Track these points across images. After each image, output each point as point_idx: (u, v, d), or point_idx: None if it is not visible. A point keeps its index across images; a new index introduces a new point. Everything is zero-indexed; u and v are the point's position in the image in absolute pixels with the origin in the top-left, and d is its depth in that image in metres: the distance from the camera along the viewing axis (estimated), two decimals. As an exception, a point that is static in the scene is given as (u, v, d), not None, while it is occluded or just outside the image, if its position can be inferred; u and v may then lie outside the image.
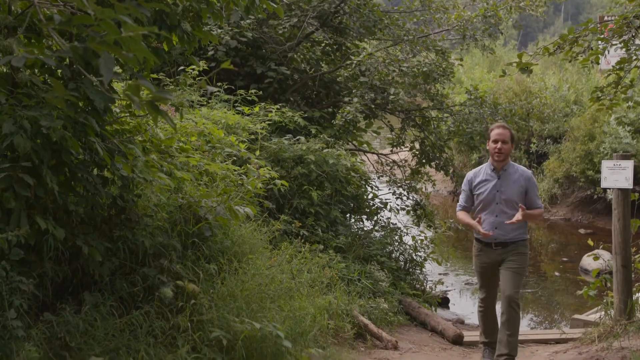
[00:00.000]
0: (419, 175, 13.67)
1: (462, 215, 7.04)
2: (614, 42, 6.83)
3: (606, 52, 6.99)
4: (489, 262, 6.86)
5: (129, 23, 2.49)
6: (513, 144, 6.86)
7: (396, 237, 11.11)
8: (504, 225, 6.66)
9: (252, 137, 9.27)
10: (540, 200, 6.86)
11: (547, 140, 21.37)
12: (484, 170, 6.93)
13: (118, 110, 5.38)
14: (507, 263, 6.70)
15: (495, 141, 6.73)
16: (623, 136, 17.61)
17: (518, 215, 6.54)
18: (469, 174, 7.08)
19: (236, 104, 10.34)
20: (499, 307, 6.81)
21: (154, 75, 9.04)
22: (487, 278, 6.98)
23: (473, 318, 11.01)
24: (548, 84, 23.68)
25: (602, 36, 6.83)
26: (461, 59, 15.27)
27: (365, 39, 13.68)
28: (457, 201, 7.21)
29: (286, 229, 8.43)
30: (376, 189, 11.77)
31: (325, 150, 9.85)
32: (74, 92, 4.01)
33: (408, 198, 13.31)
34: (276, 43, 12.49)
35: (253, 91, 10.60)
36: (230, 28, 11.85)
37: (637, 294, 7.54)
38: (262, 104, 10.43)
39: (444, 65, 12.92)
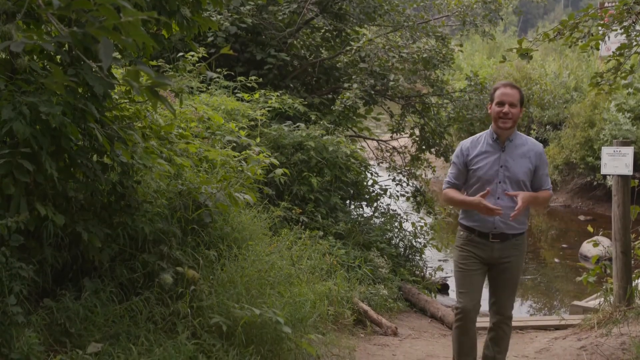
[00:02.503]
0: (419, 162, 13.69)
1: (453, 193, 5.48)
2: (614, 28, 6.81)
3: (606, 38, 6.97)
4: (480, 260, 5.39)
5: (128, 8, 2.48)
6: (522, 108, 5.43)
7: (396, 224, 11.13)
8: (507, 211, 5.22)
9: (252, 123, 9.26)
10: (549, 180, 5.49)
11: (547, 127, 21.35)
12: (484, 140, 5.44)
13: (117, 97, 5.36)
14: (504, 266, 5.36)
15: (501, 103, 5.28)
16: (623, 123, 17.59)
17: (519, 203, 5.14)
18: (464, 143, 5.55)
19: (236, 91, 10.33)
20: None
21: (154, 62, 9.02)
22: (472, 281, 5.41)
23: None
24: (548, 70, 23.65)
25: (602, 22, 6.81)
26: (461, 45, 15.22)
27: (365, 25, 13.65)
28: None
29: (286, 216, 8.43)
30: (376, 175, 11.77)
31: (325, 137, 9.84)
32: (73, 78, 4.00)
33: (408, 184, 13.33)
34: (276, 29, 12.45)
35: (253, 77, 10.58)
36: (229, 14, 11.82)
37: (636, 281, 7.56)
38: (262, 90, 10.42)
39: (444, 52, 12.91)
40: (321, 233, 8.60)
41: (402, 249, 10.95)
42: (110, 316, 4.70)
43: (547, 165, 5.56)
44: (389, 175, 13.36)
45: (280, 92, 10.71)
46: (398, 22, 12.99)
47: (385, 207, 11.69)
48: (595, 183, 18.95)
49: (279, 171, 7.82)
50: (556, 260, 14.68)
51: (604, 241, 9.96)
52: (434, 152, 13.53)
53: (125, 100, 5.35)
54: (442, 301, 10.31)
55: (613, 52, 7.13)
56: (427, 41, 13.08)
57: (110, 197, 5.07)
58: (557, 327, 8.18)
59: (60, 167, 4.52)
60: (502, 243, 5.33)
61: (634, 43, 6.92)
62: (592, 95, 18.46)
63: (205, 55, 9.70)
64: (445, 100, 13.46)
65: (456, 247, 5.55)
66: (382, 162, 14.10)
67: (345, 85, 12.24)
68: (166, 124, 6.03)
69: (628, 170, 7.42)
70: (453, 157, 5.60)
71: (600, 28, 6.82)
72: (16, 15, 3.80)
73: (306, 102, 11.50)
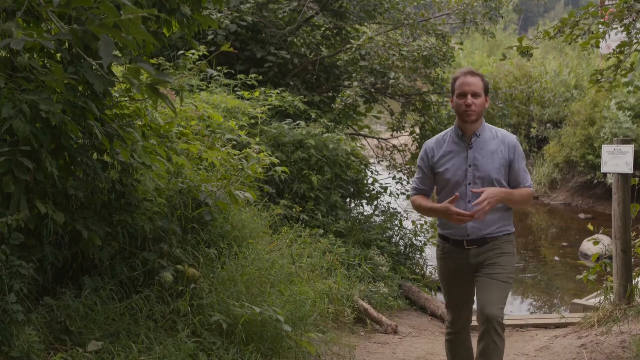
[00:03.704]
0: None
1: (420, 200, 4.98)
2: (614, 26, 6.81)
3: (606, 36, 6.97)
4: (459, 269, 4.85)
5: (128, 5, 2.48)
6: (488, 97, 4.81)
7: (396, 222, 11.13)
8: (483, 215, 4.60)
9: (252, 121, 9.25)
10: (529, 176, 4.86)
11: (547, 125, 21.33)
12: (448, 137, 4.86)
13: (117, 95, 5.36)
14: (487, 268, 4.73)
15: (462, 94, 4.69)
16: (623, 121, 17.57)
17: (481, 197, 4.51)
18: (428, 144, 4.96)
19: (236, 89, 10.32)
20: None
21: (154, 61, 9.02)
22: (458, 291, 4.93)
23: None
24: (548, 68, 23.62)
25: (603, 20, 6.81)
26: (461, 43, 15.23)
27: (366, 23, 13.64)
28: None
29: (286, 214, 8.43)
30: (376, 173, 11.78)
31: (325, 135, 9.84)
32: (73, 76, 3.99)
33: (408, 182, 13.32)
34: (276, 27, 12.44)
35: (253, 75, 10.57)
36: (229, 12, 11.81)
37: (636, 279, 7.55)
38: (262, 88, 10.41)
39: (444, 50, 12.91)
40: (321, 231, 8.61)
41: (402, 247, 10.95)
42: (110, 314, 4.70)
43: (524, 159, 4.85)
44: (389, 174, 13.36)
45: (280, 89, 10.70)
46: (398, 20, 12.98)
47: (385, 205, 11.69)
48: (595, 181, 18.92)
49: (279, 168, 7.82)
50: (556, 258, 14.67)
51: (604, 239, 9.97)
52: (434, 151, 13.50)
53: (126, 99, 5.35)
54: (442, 299, 10.30)
55: (613, 49, 7.13)
56: (428, 39, 13.07)
57: (110, 195, 5.07)
58: (557, 325, 8.18)
59: (60, 165, 4.51)
60: (479, 248, 4.75)
61: (634, 41, 6.92)
62: (592, 93, 18.45)
63: (206, 53, 9.70)
64: (445, 99, 13.44)
65: (437, 258, 5.07)
66: (382, 160, 14.10)
67: (346, 83, 12.25)
68: (166, 122, 6.02)
69: (628, 169, 7.41)
70: (418, 160, 5.04)
71: (600, 26, 6.82)
72: (16, 13, 3.79)
73: (306, 100, 11.50)
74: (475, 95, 4.66)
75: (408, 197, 12.78)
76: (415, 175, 5.07)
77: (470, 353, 5.04)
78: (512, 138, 4.83)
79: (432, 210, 4.90)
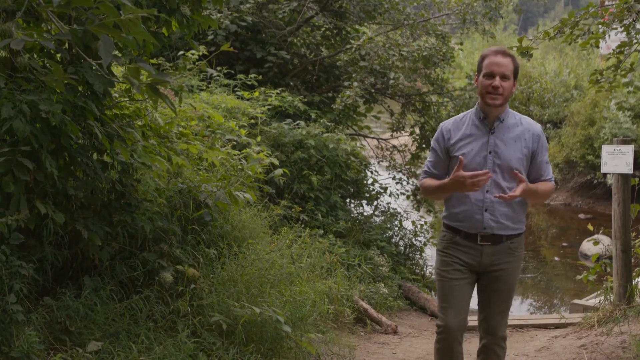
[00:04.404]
0: (419, 160, 13.68)
1: (430, 181, 4.52)
2: (614, 27, 6.81)
3: (606, 36, 6.97)
4: (466, 267, 4.43)
5: (128, 5, 2.48)
6: (516, 81, 4.43)
7: (396, 222, 11.14)
8: (498, 206, 4.31)
9: (252, 121, 9.25)
10: (551, 168, 4.53)
11: (547, 125, 21.33)
12: (468, 120, 4.45)
13: (117, 95, 5.36)
14: (497, 275, 4.40)
15: (490, 74, 4.29)
16: (623, 121, 17.58)
17: (517, 190, 4.19)
18: (445, 125, 4.55)
19: (236, 89, 10.32)
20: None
21: (154, 61, 9.02)
22: (456, 293, 4.46)
23: (473, 302, 11.02)
24: (548, 68, 23.63)
25: (603, 20, 6.81)
26: (461, 44, 15.21)
27: (365, 23, 13.65)
28: None
29: (286, 214, 8.43)
30: (376, 173, 11.79)
31: (325, 135, 9.84)
32: (73, 76, 3.99)
33: (408, 183, 13.32)
34: (276, 27, 12.44)
35: (253, 76, 10.57)
36: (229, 12, 11.81)
37: (636, 279, 7.55)
38: (262, 88, 10.41)
39: (444, 50, 12.91)
40: (321, 231, 8.60)
41: (402, 248, 10.95)
42: (110, 314, 4.70)
43: (547, 150, 4.50)
44: (389, 174, 13.36)
45: (280, 89, 10.71)
46: (398, 21, 12.99)
47: (385, 205, 11.69)
48: (595, 181, 18.93)
49: (279, 172, 7.81)
50: (556, 258, 14.68)
51: (604, 239, 9.96)
52: (434, 151, 13.50)
53: (125, 99, 5.35)
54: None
55: (613, 50, 7.14)
56: (427, 39, 13.08)
57: (110, 195, 5.07)
58: (557, 326, 8.18)
59: (60, 165, 4.52)
60: (493, 247, 4.36)
61: (634, 41, 6.92)
62: (592, 94, 18.46)
63: (206, 53, 9.71)
64: (445, 99, 13.46)
65: (438, 252, 4.59)
66: (382, 161, 14.09)
67: (346, 83, 12.25)
68: (166, 122, 6.02)
69: (628, 169, 7.41)
70: (432, 142, 4.59)
71: (600, 26, 6.82)
72: (16, 13, 3.79)
73: (306, 100, 11.50)
74: (504, 77, 4.27)
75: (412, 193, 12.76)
76: (428, 159, 4.61)
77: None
78: (538, 127, 4.45)
79: (442, 188, 4.38)
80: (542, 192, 4.42)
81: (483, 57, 4.36)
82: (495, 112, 4.33)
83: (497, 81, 4.23)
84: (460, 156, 4.22)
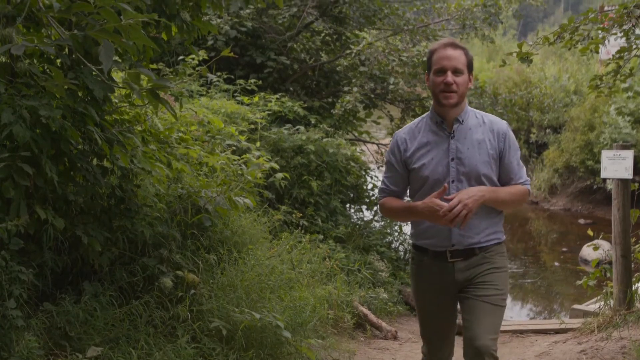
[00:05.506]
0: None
1: (393, 201, 3.96)
2: (614, 32, 6.82)
3: (606, 41, 6.97)
4: (441, 289, 3.90)
5: (129, 10, 2.48)
6: (472, 75, 3.86)
7: (396, 227, 11.12)
8: (471, 220, 3.68)
9: (252, 127, 9.26)
10: (524, 171, 3.94)
11: (547, 130, 21.34)
12: (424, 125, 3.90)
13: (117, 100, 5.36)
14: (477, 288, 3.79)
15: (441, 70, 3.74)
16: (623, 126, 17.58)
17: (454, 202, 3.58)
18: (399, 134, 3.97)
19: (236, 94, 10.33)
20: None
21: (153, 66, 9.03)
22: (439, 318, 4.01)
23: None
24: (548, 74, 23.63)
25: (602, 26, 6.82)
26: (461, 49, 15.21)
27: (365, 29, 13.67)
28: None
29: (286, 219, 8.43)
30: (376, 179, 11.77)
31: (324, 140, 9.85)
32: (73, 81, 4.00)
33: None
34: (276, 33, 12.46)
35: (253, 81, 10.58)
36: (229, 18, 11.83)
37: (636, 284, 7.54)
38: (262, 93, 10.42)
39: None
40: (321, 237, 8.60)
41: (402, 253, 10.93)
42: (110, 320, 4.69)
43: (518, 150, 3.92)
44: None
45: (280, 94, 10.72)
46: (398, 26, 13.01)
47: (385, 210, 11.67)
48: (595, 186, 18.92)
49: (279, 175, 7.81)
50: (556, 263, 14.66)
51: (604, 245, 9.94)
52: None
53: (125, 104, 5.35)
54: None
55: (613, 55, 7.14)
56: (427, 45, 13.08)
57: (110, 200, 5.07)
58: (557, 331, 8.17)
59: (60, 170, 4.52)
60: (466, 262, 3.81)
61: (634, 46, 6.92)
62: (591, 99, 18.47)
63: (206, 58, 9.72)
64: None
65: (410, 276, 4.14)
66: (382, 166, 14.07)
67: (345, 88, 12.25)
68: (166, 127, 6.03)
69: (628, 174, 7.41)
70: (387, 154, 4.03)
71: (600, 31, 6.83)
72: (16, 18, 3.80)
73: (306, 106, 11.51)
74: (457, 72, 3.72)
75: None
76: (384, 174, 4.03)
77: None
78: (503, 124, 3.86)
79: (410, 211, 3.81)
80: (505, 194, 3.81)
81: (432, 52, 3.82)
82: (452, 113, 3.79)
83: (449, 77, 3.70)
84: (445, 185, 3.67)
